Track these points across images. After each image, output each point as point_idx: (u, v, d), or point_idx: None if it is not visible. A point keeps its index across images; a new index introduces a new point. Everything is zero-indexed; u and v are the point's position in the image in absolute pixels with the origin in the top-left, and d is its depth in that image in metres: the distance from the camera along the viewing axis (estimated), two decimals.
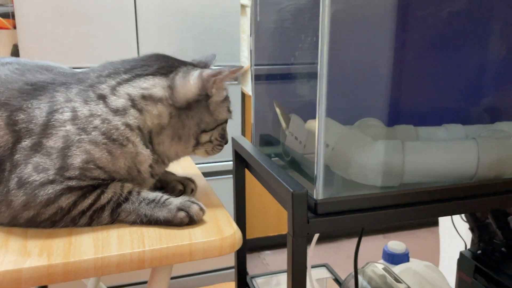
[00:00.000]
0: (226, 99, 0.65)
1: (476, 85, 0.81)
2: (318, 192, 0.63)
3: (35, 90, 0.55)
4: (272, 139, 0.89)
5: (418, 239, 2.11)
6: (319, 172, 0.63)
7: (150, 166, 0.59)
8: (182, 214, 0.53)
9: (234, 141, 0.93)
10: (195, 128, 0.60)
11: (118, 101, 0.55)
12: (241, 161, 0.90)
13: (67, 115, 0.53)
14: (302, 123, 0.71)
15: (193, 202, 0.55)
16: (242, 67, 0.62)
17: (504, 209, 1.03)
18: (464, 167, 0.70)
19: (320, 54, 0.60)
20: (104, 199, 0.54)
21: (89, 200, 0.53)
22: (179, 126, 0.59)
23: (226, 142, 0.67)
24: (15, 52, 1.49)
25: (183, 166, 0.73)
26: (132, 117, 0.56)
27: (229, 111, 0.66)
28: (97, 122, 0.54)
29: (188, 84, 0.59)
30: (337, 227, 0.65)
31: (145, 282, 1.57)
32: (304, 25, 0.72)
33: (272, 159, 0.86)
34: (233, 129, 1.57)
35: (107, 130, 0.54)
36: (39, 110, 0.53)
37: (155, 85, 0.58)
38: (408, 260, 1.06)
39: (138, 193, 0.55)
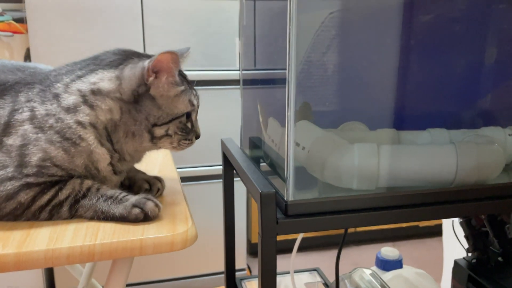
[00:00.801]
0: (184, 92, 0.62)
1: (463, 89, 0.80)
2: (289, 194, 0.63)
3: (3, 90, 0.57)
4: (259, 142, 0.90)
5: (428, 248, 2.07)
6: (289, 173, 0.63)
7: (111, 164, 0.60)
8: (136, 210, 0.54)
9: (222, 143, 0.94)
10: (145, 122, 0.60)
11: (69, 99, 0.57)
12: (229, 164, 0.91)
13: (25, 114, 0.55)
14: (278, 126, 0.72)
15: (148, 199, 0.56)
16: (174, 51, 0.58)
17: (501, 218, 1.01)
18: (442, 172, 0.69)
19: (288, 57, 0.61)
20: (62, 195, 0.55)
21: (47, 196, 0.55)
22: (130, 122, 0.59)
23: (197, 137, 0.66)
24: (28, 55, 1.55)
25: (162, 169, 0.74)
26: (83, 114, 0.56)
27: (191, 104, 0.64)
28: (51, 121, 0.55)
29: (134, 75, 0.58)
30: (307, 229, 0.65)
31: (142, 283, 1.59)
32: (281, 30, 0.73)
33: (261, 162, 0.86)
34: (235, 132, 1.59)
35: (61, 129, 0.55)
36: (2, 109, 0.56)
37: (102, 79, 0.58)
38: (401, 267, 1.05)
39: (97, 189, 0.57)
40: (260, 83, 0.86)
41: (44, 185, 0.55)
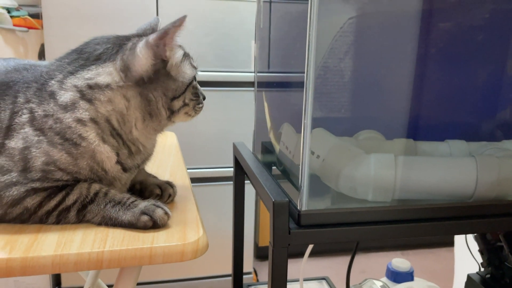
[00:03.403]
0: (185, 56, 0.61)
1: (483, 100, 0.78)
2: (302, 203, 0.61)
3: (5, 90, 0.55)
4: (272, 147, 0.88)
5: (438, 258, 2.04)
6: (303, 183, 0.61)
7: (118, 162, 0.57)
8: (145, 218, 0.52)
9: (234, 147, 0.93)
10: (163, 99, 0.58)
11: (66, 95, 0.54)
12: (240, 168, 0.90)
13: (25, 117, 0.53)
14: (293, 133, 0.70)
15: (157, 206, 0.54)
16: (185, 16, 0.58)
17: None
18: (461, 185, 0.67)
19: (307, 63, 0.59)
20: (69, 200, 0.54)
21: (54, 202, 0.53)
22: (145, 104, 0.57)
23: (204, 98, 0.65)
24: (43, 51, 1.55)
25: (173, 172, 0.73)
26: (82, 109, 0.54)
27: (193, 67, 0.62)
28: (51, 122, 0.53)
29: (138, 58, 0.55)
30: (320, 240, 0.64)
31: (149, 283, 1.59)
32: (298, 34, 0.71)
33: (273, 167, 0.85)
34: (248, 134, 1.57)
35: (61, 130, 0.53)
36: (3, 112, 0.54)
37: (99, 74, 0.56)
38: (412, 279, 1.03)
39: (105, 194, 0.55)
40: (276, 88, 0.85)
41: (51, 190, 0.54)
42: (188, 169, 1.56)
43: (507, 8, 0.75)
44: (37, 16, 1.57)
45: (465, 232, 0.68)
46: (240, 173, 0.91)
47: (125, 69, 0.56)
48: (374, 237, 0.63)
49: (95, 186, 0.55)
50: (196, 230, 0.50)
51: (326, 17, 0.70)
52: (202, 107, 0.64)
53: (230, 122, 1.58)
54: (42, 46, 1.56)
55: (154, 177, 0.66)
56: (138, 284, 1.53)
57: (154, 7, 1.46)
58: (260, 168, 0.76)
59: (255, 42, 0.91)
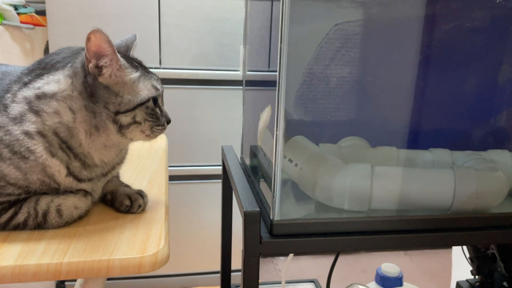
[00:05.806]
0: (142, 77, 0.59)
1: (470, 109, 0.77)
2: (274, 213, 0.62)
3: None
4: (258, 151, 0.89)
5: (442, 260, 2.02)
6: (276, 193, 0.62)
7: (70, 175, 0.57)
8: None
9: (222, 152, 0.93)
10: (105, 111, 0.56)
11: (16, 108, 0.54)
12: (227, 171, 0.90)
13: None
14: (271, 139, 0.70)
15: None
16: (99, 30, 0.55)
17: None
18: (438, 197, 0.66)
19: (279, 67, 0.59)
20: (20, 218, 0.55)
21: (6, 216, 0.54)
22: (90, 116, 0.56)
23: (168, 121, 0.62)
24: (48, 48, 1.58)
25: (152, 179, 0.73)
26: (29, 122, 0.54)
27: (155, 89, 0.60)
28: (1, 134, 0.53)
29: (79, 67, 0.56)
30: (293, 250, 0.64)
31: (144, 277, 1.61)
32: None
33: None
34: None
35: (9, 143, 0.53)
36: None
37: (48, 82, 0.55)
38: (401, 285, 1.02)
39: (58, 211, 0.56)
40: (257, 90, 0.85)
41: (3, 205, 0.54)
42: (192, 166, 1.57)
43: (489, 17, 0.73)
44: (44, 13, 1.59)
45: (442, 245, 0.67)
46: (227, 177, 0.92)
47: (73, 75, 0.56)
48: (348, 248, 0.63)
49: (42, 205, 0.55)
50: (157, 242, 0.51)
51: (309, 23, 0.70)
52: (162, 129, 0.61)
53: (231, 121, 1.59)
54: (48, 43, 1.58)
55: (127, 186, 0.66)
56: (132, 278, 1.56)
57: (156, 6, 1.47)
58: (241, 175, 0.77)
59: (243, 47, 0.91)
